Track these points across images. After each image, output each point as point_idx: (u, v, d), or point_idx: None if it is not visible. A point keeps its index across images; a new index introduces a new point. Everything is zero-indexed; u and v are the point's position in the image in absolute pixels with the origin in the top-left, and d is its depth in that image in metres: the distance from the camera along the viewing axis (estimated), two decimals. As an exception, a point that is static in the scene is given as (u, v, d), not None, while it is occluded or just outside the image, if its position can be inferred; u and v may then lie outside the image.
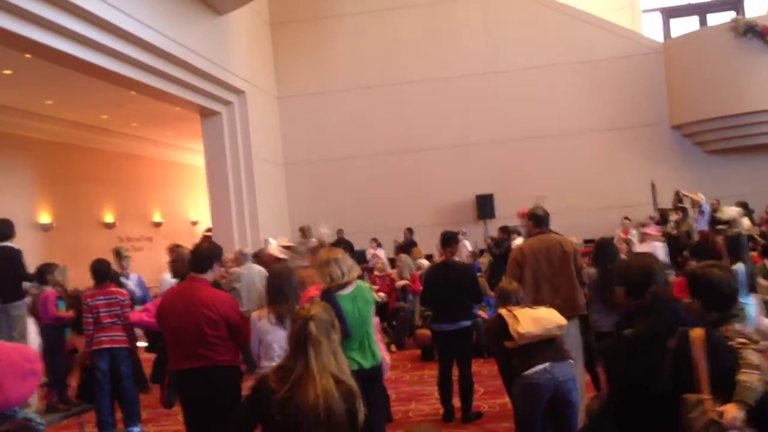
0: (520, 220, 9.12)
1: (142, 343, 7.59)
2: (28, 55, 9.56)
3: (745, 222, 9.83)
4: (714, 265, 3.08)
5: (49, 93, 13.43)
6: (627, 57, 15.30)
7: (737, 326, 2.89)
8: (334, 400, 2.57)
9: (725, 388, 2.51)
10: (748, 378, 2.54)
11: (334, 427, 2.55)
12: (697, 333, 2.59)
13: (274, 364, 4.28)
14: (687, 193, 10.76)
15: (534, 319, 4.22)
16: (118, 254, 8.36)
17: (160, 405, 7.89)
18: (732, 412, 2.46)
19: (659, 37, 16.76)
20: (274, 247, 8.17)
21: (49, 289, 5.98)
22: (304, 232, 12.05)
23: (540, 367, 4.09)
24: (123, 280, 7.63)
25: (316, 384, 2.57)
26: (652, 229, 9.96)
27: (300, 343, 2.66)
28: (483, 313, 9.27)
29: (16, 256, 6.34)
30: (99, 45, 9.16)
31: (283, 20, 16.06)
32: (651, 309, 2.70)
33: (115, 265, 7.95)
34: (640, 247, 9.04)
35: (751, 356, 2.63)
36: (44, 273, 6.14)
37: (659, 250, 9.31)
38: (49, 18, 8.00)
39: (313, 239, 10.61)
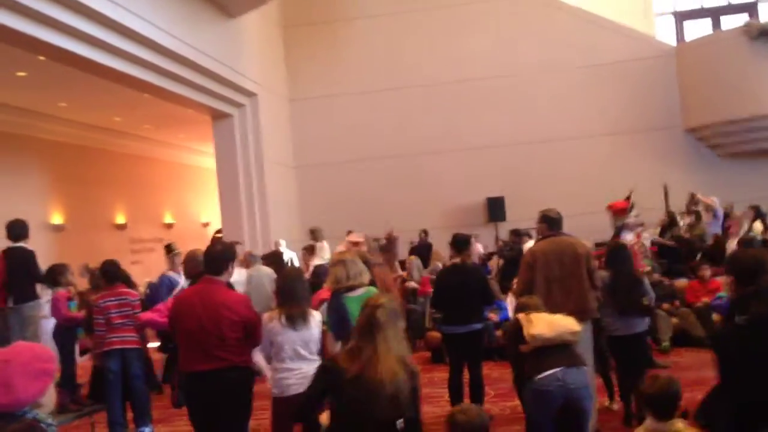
0: (611, 214, 9.01)
1: (153, 344, 7.62)
2: (41, 57, 9.62)
3: (757, 226, 9.77)
4: None
5: (62, 95, 13.51)
6: (639, 60, 15.23)
7: None
8: (400, 378, 2.90)
9: None
10: None
11: (400, 401, 2.88)
12: None
13: (285, 365, 4.31)
14: (701, 197, 10.66)
15: (548, 323, 4.20)
16: (169, 250, 8.37)
17: (170, 405, 7.93)
18: None
19: (672, 41, 16.68)
20: (356, 236, 8.04)
21: (60, 290, 6.01)
22: (315, 234, 12.07)
23: (550, 372, 4.04)
24: (174, 276, 7.64)
25: (384, 364, 2.89)
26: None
27: (368, 328, 3.00)
28: (494, 316, 9.25)
29: (29, 257, 6.37)
30: (112, 47, 9.21)
31: (295, 23, 16.10)
32: (763, 295, 2.86)
33: (167, 262, 7.99)
34: None
35: None
36: (55, 274, 6.17)
37: None
38: (62, 20, 8.06)
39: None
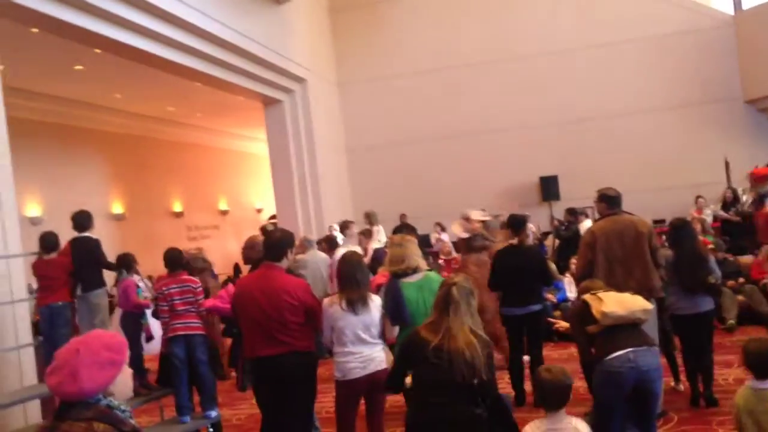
0: (751, 182, 8.66)
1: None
2: (97, 50, 9.84)
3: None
4: None
5: (117, 87, 13.82)
6: (696, 31, 14.74)
7: None
8: (475, 347, 3.30)
9: None
10: None
11: (476, 366, 3.26)
12: None
13: (347, 349, 4.35)
14: None
15: (619, 301, 4.10)
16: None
17: (235, 389, 8.10)
18: None
19: (730, 10, 16.08)
20: (476, 214, 7.68)
21: (129, 278, 6.17)
22: (371, 217, 12.10)
23: (621, 353, 3.92)
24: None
25: (460, 335, 3.32)
26: None
27: (444, 304, 3.43)
28: (551, 297, 9.16)
29: (95, 246, 6.55)
30: (164, 37, 9.36)
31: (341, 7, 16.08)
32: None
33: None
34: None
35: None
36: (124, 262, 6.34)
37: None
38: (117, 13, 8.23)
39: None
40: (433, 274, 4.88)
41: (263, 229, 9.18)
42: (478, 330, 3.42)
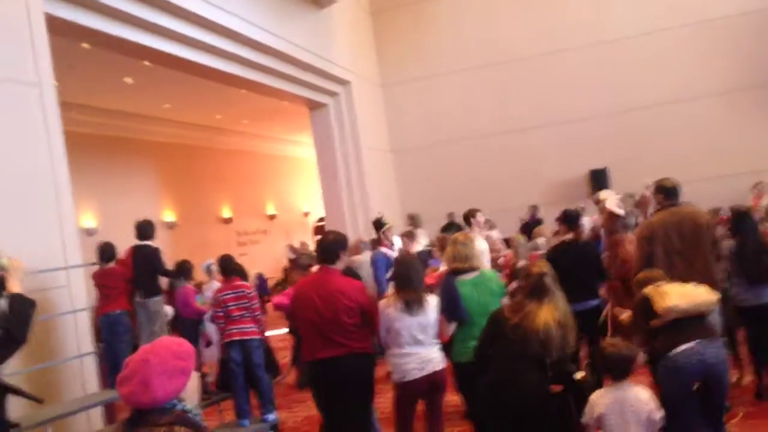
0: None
1: (274, 332, 7.83)
2: (146, 63, 10.04)
3: None
4: None
5: (166, 97, 14.10)
6: (746, 14, 14.30)
7: None
8: (551, 327, 3.65)
9: None
10: None
11: (550, 345, 3.63)
12: None
13: (404, 351, 4.34)
14: None
15: (683, 294, 3.98)
16: (378, 225, 8.76)
17: (291, 391, 8.15)
18: None
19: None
20: (612, 202, 7.52)
21: (187, 285, 6.28)
22: (414, 220, 12.09)
23: (687, 346, 3.82)
24: (388, 252, 8.07)
25: (540, 316, 3.66)
26: None
27: (535, 290, 3.76)
28: (603, 293, 8.96)
29: (155, 254, 6.68)
30: (208, 46, 9.49)
31: (382, 8, 16.08)
32: None
33: (378, 238, 8.34)
34: None
35: None
36: (183, 269, 6.46)
37: None
38: (162, 24, 8.37)
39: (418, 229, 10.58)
40: (488, 272, 4.84)
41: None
42: (563, 315, 3.75)
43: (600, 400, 3.58)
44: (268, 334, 6.96)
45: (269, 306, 8.94)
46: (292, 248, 12.92)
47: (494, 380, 3.74)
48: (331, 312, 4.31)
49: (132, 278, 6.51)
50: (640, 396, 3.57)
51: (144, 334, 6.32)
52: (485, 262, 4.86)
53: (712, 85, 14.33)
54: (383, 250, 8.44)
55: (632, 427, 3.50)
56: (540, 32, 15.20)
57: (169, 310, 7.06)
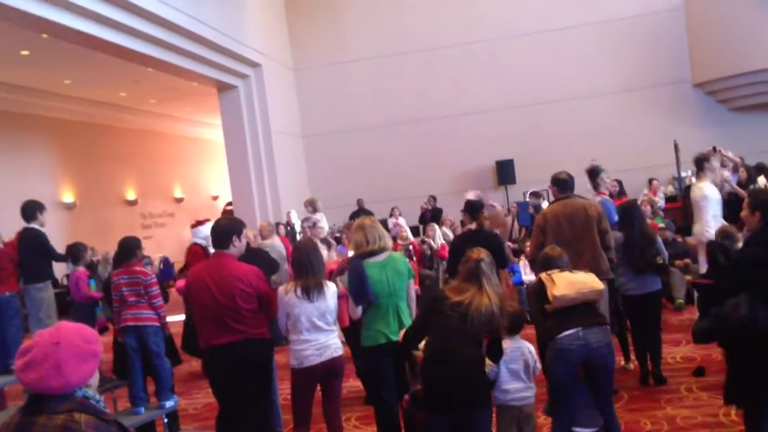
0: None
1: (174, 318, 7.65)
2: (44, 36, 9.59)
3: (761, 180, 9.62)
4: None
5: (67, 72, 13.49)
6: (647, 15, 15.00)
7: None
8: (492, 309, 3.82)
9: None
10: None
11: (490, 326, 3.86)
12: None
13: (303, 337, 4.35)
14: (725, 153, 10.39)
15: (570, 283, 4.19)
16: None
17: (191, 378, 8.03)
18: None
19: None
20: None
21: (80, 269, 6.06)
22: (312, 204, 12.12)
23: (571, 331, 4.05)
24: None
25: (483, 298, 3.83)
26: None
27: (473, 274, 3.90)
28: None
29: (37, 237, 6.39)
30: (114, 22, 9.16)
31: (297, -10, 15.93)
32: None
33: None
34: None
35: None
36: (75, 252, 6.22)
37: None
38: (63, -3, 8.02)
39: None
40: (397, 254, 4.90)
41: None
42: (500, 298, 3.94)
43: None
44: (171, 319, 6.82)
45: (173, 291, 8.74)
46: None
47: (433, 353, 3.87)
48: (227, 298, 4.26)
49: (18, 262, 6.23)
50: (531, 348, 4.26)
51: (31, 319, 6.08)
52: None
53: (611, 84, 14.97)
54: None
55: (522, 371, 4.18)
56: (453, 24, 15.44)
57: None
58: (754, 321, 3.44)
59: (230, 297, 4.26)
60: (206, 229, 6.94)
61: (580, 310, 4.14)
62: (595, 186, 7.16)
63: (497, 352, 4.04)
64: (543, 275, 4.37)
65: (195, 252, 7.14)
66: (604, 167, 7.34)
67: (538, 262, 4.70)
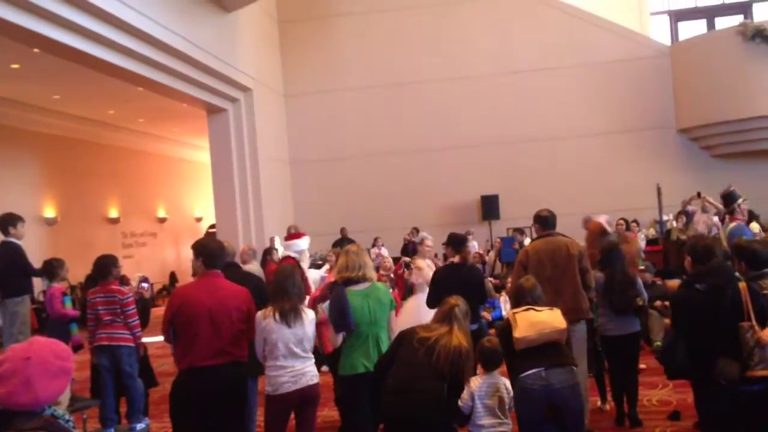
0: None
1: (150, 339, 7.56)
2: (36, 50, 9.57)
3: (754, 226, 9.75)
4: (755, 240, 4.93)
5: (56, 88, 13.46)
6: (634, 60, 15.27)
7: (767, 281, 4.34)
8: (462, 352, 3.94)
9: (762, 320, 4.02)
10: None
11: (458, 366, 3.91)
12: (742, 285, 4.11)
13: (278, 363, 4.30)
14: (709, 200, 10.50)
15: (531, 324, 4.19)
16: None
17: (165, 400, 7.88)
18: (767, 334, 3.97)
19: (667, 40, 16.73)
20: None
21: (55, 285, 5.98)
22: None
23: (534, 370, 4.08)
24: None
25: (455, 338, 3.95)
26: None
27: (446, 316, 4.05)
28: (487, 315, 9.28)
29: (13, 251, 6.32)
30: (106, 40, 9.17)
31: (291, 18, 16.06)
32: (716, 271, 4.16)
33: None
34: None
35: None
36: (51, 268, 6.15)
37: None
38: (57, 12, 8.02)
39: None
40: (380, 285, 4.88)
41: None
42: (467, 343, 4.03)
43: (475, 383, 4.06)
44: (148, 340, 6.73)
45: (154, 311, 8.65)
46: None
47: (393, 383, 3.93)
48: (225, 316, 4.22)
49: (-4, 277, 6.16)
50: (507, 384, 4.18)
51: (5, 335, 5.98)
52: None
53: (596, 126, 15.17)
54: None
55: (497, 408, 4.10)
56: (444, 58, 15.62)
57: None
58: (673, 358, 4.22)
59: (228, 316, 4.24)
60: (303, 243, 7.05)
61: (545, 349, 4.15)
62: (731, 211, 7.18)
63: (456, 389, 4.03)
64: (510, 314, 4.40)
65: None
66: (740, 194, 7.42)
67: (512, 294, 4.74)
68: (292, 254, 7.06)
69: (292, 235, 7.46)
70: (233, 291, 4.37)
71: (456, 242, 6.65)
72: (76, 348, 6.11)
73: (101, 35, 8.95)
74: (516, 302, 4.50)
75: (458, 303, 4.12)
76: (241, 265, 8.53)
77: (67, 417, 2.10)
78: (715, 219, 9.18)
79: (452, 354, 3.87)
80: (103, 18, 8.79)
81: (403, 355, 4.00)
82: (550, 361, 4.11)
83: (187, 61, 11.12)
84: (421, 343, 3.93)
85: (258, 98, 14.02)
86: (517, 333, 4.16)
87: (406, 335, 4.08)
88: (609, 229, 8.28)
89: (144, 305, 6.18)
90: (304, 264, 7.07)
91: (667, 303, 9.09)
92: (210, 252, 4.45)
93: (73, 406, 5.70)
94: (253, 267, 8.95)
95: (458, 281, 6.19)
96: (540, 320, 4.22)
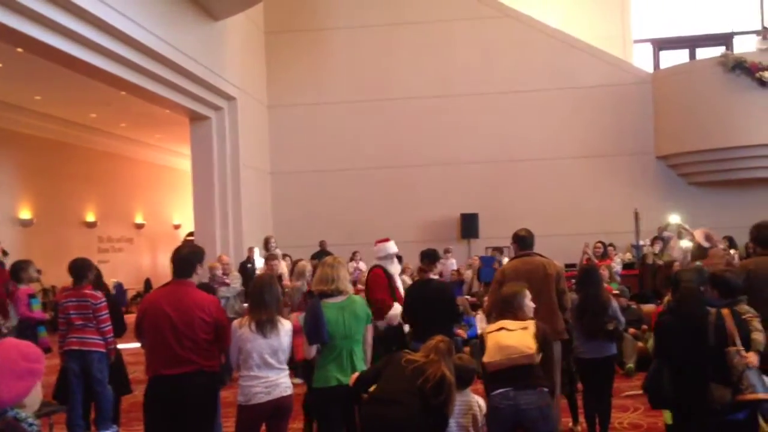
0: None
1: (126, 345, 7.46)
2: (19, 50, 9.50)
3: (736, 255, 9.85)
4: (727, 270, 5.13)
5: (38, 88, 13.35)
6: (616, 86, 15.46)
7: (744, 306, 4.48)
8: (450, 381, 3.93)
9: (746, 344, 4.21)
10: (757, 336, 4.28)
11: (444, 391, 3.91)
12: (725, 311, 4.34)
13: (252, 373, 4.28)
14: (696, 232, 10.57)
15: (500, 348, 4.20)
16: None
17: (136, 408, 7.77)
18: (754, 357, 4.18)
19: (649, 68, 16.95)
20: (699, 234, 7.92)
21: (22, 288, 5.89)
22: (268, 243, 12.10)
23: (502, 391, 4.12)
24: None
25: (445, 368, 3.94)
26: None
27: (434, 350, 4.03)
28: (462, 333, 9.29)
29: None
30: (92, 43, 9.11)
31: (278, 30, 16.06)
32: (692, 299, 4.46)
33: None
34: None
35: (756, 323, 4.36)
36: (18, 271, 6.05)
37: None
38: (43, 13, 7.96)
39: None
40: (357, 297, 4.87)
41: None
42: (451, 373, 4.02)
43: None
44: (123, 346, 6.65)
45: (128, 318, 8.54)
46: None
47: (376, 393, 4.02)
48: (187, 326, 4.18)
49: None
50: (481, 402, 4.30)
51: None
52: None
53: (576, 149, 15.31)
54: None
55: (471, 426, 4.24)
56: (429, 76, 15.70)
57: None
58: (659, 387, 4.36)
59: (190, 326, 4.19)
60: (391, 247, 6.72)
61: (514, 370, 4.17)
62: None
63: (440, 420, 4.04)
64: (485, 332, 4.45)
65: (376, 275, 6.64)
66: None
67: (495, 304, 4.77)
68: (382, 263, 6.71)
69: (380, 240, 7.09)
70: (199, 301, 4.30)
71: (427, 257, 6.67)
72: (45, 351, 6.02)
73: (86, 37, 8.89)
74: (499, 315, 4.53)
75: (443, 340, 4.14)
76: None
77: (30, 420, 2.07)
78: (690, 245, 9.27)
79: (439, 380, 3.88)
80: (88, 20, 8.74)
81: (389, 372, 4.05)
82: (518, 382, 4.14)
83: (171, 66, 11.08)
84: (410, 363, 3.98)
85: (242, 108, 13.99)
86: (486, 357, 4.24)
87: (395, 357, 4.16)
88: (705, 244, 8.02)
89: (117, 311, 6.10)
90: (393, 269, 6.80)
91: (645, 328, 9.20)
92: (179, 259, 4.41)
93: (40, 411, 5.62)
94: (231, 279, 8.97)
95: (426, 297, 6.21)
96: (508, 344, 4.22)
